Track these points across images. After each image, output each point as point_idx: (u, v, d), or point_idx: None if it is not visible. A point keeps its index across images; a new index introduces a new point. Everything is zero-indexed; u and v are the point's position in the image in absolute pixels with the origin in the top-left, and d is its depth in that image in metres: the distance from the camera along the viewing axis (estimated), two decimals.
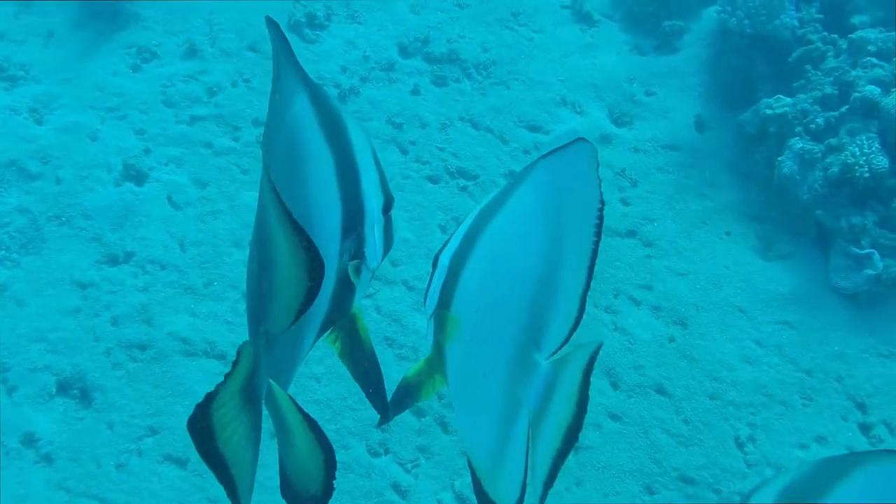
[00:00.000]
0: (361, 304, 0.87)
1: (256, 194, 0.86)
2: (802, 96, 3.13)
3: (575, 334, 0.89)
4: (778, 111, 3.11)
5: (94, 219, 2.96)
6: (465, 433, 0.94)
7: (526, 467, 0.88)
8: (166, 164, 3.12)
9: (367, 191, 0.85)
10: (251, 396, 0.83)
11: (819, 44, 3.25)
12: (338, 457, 2.74)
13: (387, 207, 0.87)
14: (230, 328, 2.69)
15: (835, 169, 2.89)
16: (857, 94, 3.00)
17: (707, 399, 2.61)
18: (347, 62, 3.52)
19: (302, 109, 0.83)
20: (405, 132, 3.27)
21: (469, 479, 2.43)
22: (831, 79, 3.13)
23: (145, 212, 2.98)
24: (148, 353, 2.63)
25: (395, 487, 2.39)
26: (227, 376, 0.81)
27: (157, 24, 3.61)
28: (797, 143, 3.00)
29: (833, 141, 2.96)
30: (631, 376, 2.64)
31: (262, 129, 3.13)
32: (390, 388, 0.95)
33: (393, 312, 2.75)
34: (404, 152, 3.21)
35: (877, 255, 2.80)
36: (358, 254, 0.86)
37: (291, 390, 0.94)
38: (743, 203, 3.14)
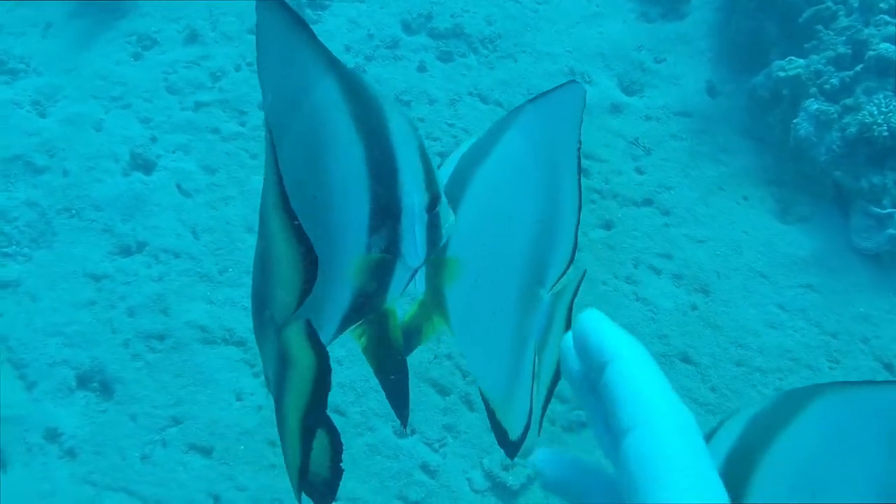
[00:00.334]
0: (396, 304, 0.83)
1: None
2: (815, 57, 3.08)
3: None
4: (791, 73, 3.06)
5: (104, 210, 2.92)
6: (477, 368, 0.95)
7: (531, 395, 0.90)
8: (174, 152, 3.08)
9: (407, 185, 0.80)
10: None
11: (830, 3, 3.19)
12: (364, 439, 2.69)
13: (432, 205, 0.82)
14: (248, 314, 2.64)
15: (852, 129, 2.85)
16: (871, 53, 2.95)
17: (733, 366, 2.58)
18: (351, 41, 3.47)
19: (327, 95, 0.77)
20: (413, 109, 3.22)
21: (497, 456, 2.40)
22: (844, 38, 3.08)
23: (155, 200, 2.94)
24: (166, 342, 2.60)
25: (424, 468, 2.37)
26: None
27: (155, 10, 3.56)
28: (812, 105, 2.95)
29: (849, 101, 2.91)
30: (655, 346, 2.61)
31: None
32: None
33: None
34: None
35: None
36: (391, 249, 0.82)
37: None
38: (758, 167, 3.10)
